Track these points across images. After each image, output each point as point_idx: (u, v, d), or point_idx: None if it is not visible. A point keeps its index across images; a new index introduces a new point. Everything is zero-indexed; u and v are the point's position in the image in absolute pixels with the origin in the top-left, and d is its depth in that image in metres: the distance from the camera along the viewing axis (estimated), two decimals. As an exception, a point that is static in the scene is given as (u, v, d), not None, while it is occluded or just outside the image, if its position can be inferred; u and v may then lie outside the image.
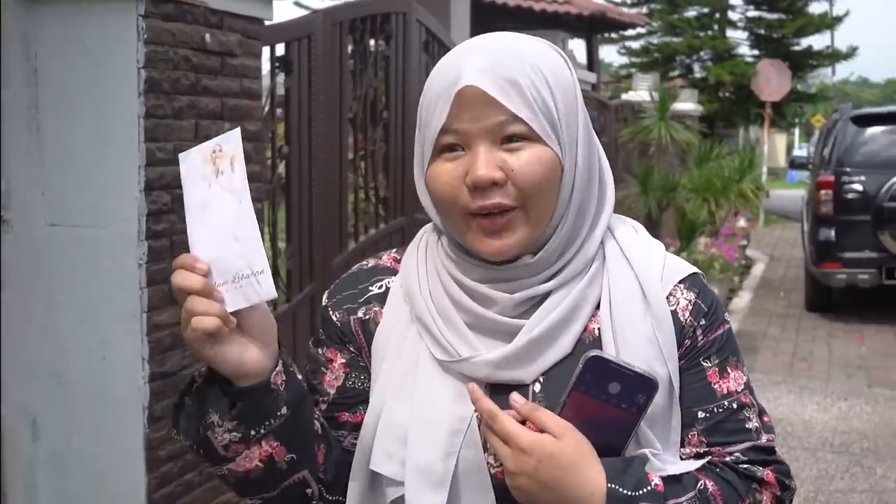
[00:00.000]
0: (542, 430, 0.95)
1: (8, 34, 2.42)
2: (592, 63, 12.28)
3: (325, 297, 1.17)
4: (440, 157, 1.03)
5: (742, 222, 11.83)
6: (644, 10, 20.14)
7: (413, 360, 1.06)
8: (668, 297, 1.07)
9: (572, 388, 0.92)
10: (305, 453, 1.05)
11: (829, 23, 20.46)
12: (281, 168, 3.56)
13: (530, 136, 1.01)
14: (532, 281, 1.05)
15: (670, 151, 8.61)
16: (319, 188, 3.76)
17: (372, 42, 4.29)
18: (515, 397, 0.99)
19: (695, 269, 1.12)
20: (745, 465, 1.05)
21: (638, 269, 1.07)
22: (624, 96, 10.83)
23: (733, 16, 20.73)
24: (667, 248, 1.14)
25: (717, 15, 20.40)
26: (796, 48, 20.40)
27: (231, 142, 0.97)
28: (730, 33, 20.66)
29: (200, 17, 2.53)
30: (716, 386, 1.07)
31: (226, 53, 2.67)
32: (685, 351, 1.07)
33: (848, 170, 8.04)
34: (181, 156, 1.00)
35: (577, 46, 14.36)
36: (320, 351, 1.14)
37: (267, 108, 3.43)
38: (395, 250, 1.20)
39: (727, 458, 1.05)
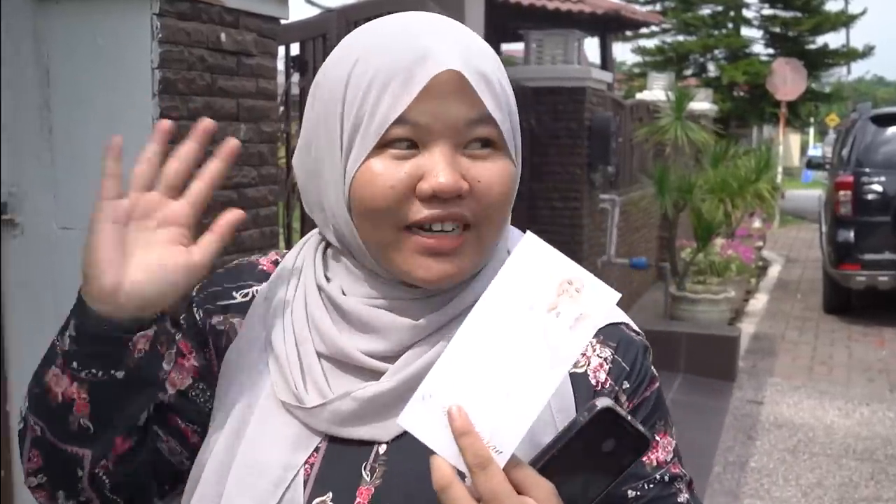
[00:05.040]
0: (519, 491, 0.72)
1: (19, 34, 2.36)
2: (606, 62, 12.19)
3: (196, 287, 0.97)
4: (382, 152, 0.81)
5: (757, 223, 11.74)
6: (658, 7, 20.04)
7: (255, 392, 0.88)
8: None
9: (569, 441, 0.72)
10: (104, 436, 0.85)
11: (844, 20, 20.31)
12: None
13: (496, 144, 0.83)
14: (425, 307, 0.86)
15: (686, 152, 8.51)
16: (335, 190, 3.70)
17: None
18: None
19: (617, 318, 0.91)
20: None
21: None
22: (638, 95, 10.73)
23: (748, 14, 20.62)
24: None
25: (732, 13, 20.27)
26: (812, 47, 20.26)
27: (600, 299, 0.72)
28: (744, 31, 20.55)
29: (216, 16, 2.47)
30: (645, 459, 0.89)
31: (242, 53, 2.61)
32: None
33: (867, 170, 7.95)
34: (530, 235, 0.74)
35: (591, 45, 14.27)
36: (177, 336, 0.93)
37: (282, 109, 3.37)
38: (285, 250, 1.00)
39: None
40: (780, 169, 14.24)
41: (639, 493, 0.88)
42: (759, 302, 9.03)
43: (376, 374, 0.84)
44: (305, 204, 0.91)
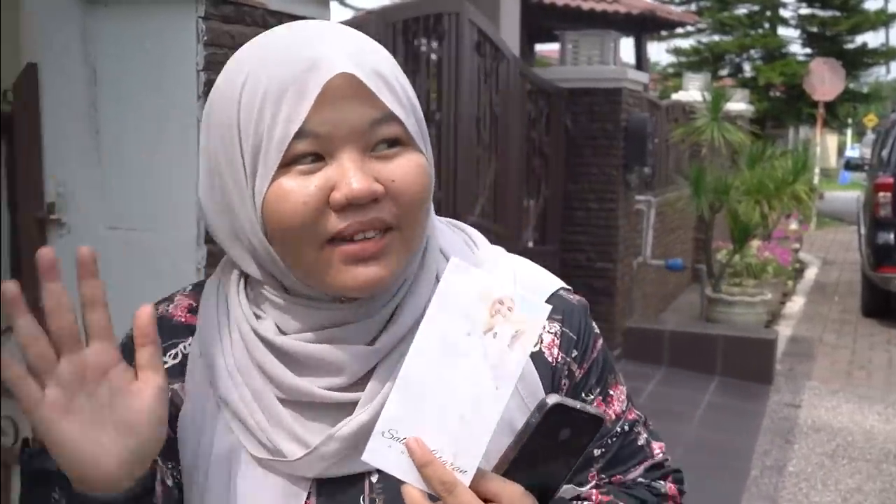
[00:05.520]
0: (486, 500, 0.74)
1: (67, 34, 2.41)
2: (641, 62, 12.12)
3: None
4: (288, 171, 0.78)
5: (794, 225, 11.60)
6: (693, 7, 19.89)
7: (224, 457, 0.85)
8: None
9: (527, 442, 0.75)
10: None
11: (884, 20, 20.02)
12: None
13: (403, 141, 0.80)
14: (365, 329, 0.84)
15: (722, 153, 8.44)
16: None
17: (424, 42, 4.24)
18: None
19: (554, 286, 0.92)
20: (648, 484, 0.96)
21: None
22: (674, 96, 10.66)
23: (785, 13, 20.42)
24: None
25: (769, 13, 20.07)
26: (850, 46, 19.99)
27: (533, 314, 0.75)
28: (781, 31, 20.36)
29: (259, 19, 2.50)
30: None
31: (283, 55, 2.64)
32: (565, 393, 0.90)
33: (908, 171, 7.83)
34: (455, 261, 0.75)
35: (626, 46, 14.21)
36: None
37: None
38: (190, 288, 0.94)
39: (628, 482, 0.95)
40: (817, 170, 14.07)
41: (604, 449, 0.92)
42: (795, 304, 8.93)
43: (346, 406, 0.83)
44: (217, 237, 0.86)
